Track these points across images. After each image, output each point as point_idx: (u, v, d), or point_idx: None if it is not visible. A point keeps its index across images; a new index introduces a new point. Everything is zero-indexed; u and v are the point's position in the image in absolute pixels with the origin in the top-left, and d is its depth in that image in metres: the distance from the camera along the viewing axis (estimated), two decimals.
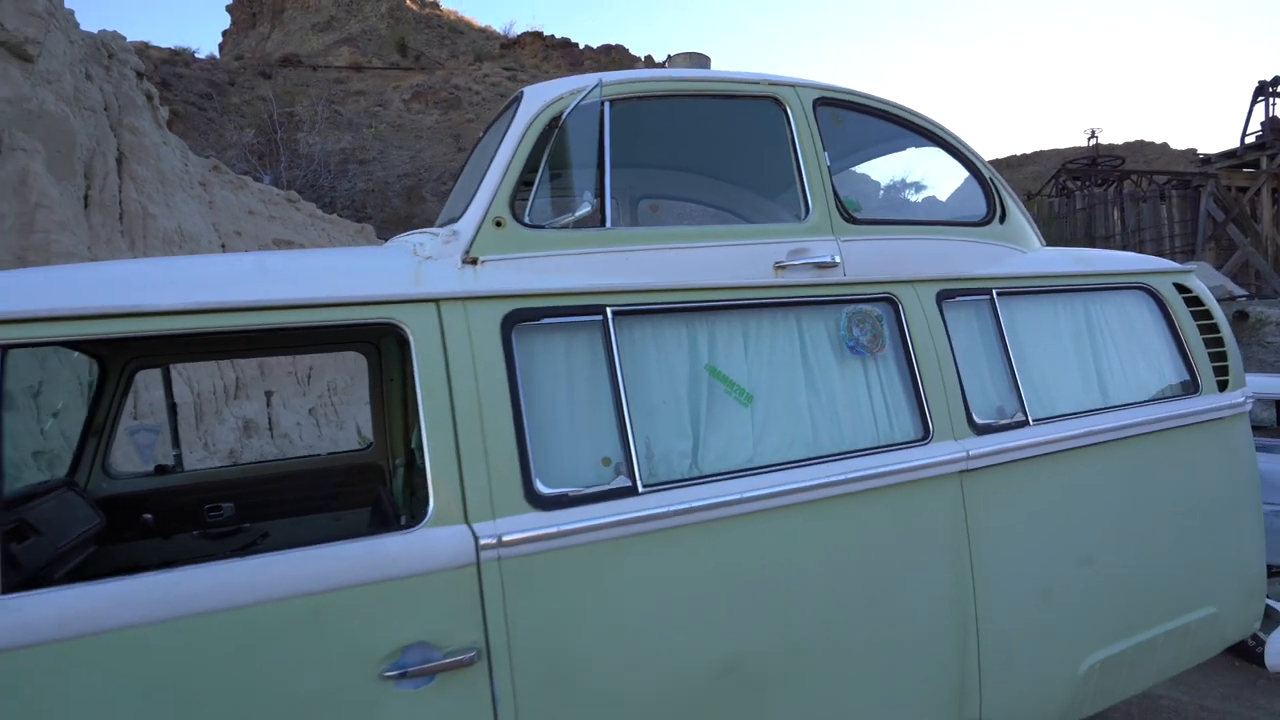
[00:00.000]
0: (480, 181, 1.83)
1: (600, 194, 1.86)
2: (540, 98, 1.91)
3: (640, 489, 1.67)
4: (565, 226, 1.82)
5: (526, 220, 1.79)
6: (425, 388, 1.55)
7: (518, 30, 45.93)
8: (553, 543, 1.57)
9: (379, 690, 1.43)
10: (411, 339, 1.56)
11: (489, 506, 1.54)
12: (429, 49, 45.71)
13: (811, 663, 1.78)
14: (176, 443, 2.86)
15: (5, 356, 1.33)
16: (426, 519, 1.50)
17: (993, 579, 2.01)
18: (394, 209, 17.47)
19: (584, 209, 1.81)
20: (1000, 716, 2.03)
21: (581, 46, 48.10)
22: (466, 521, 1.52)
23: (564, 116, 1.86)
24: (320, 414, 10.66)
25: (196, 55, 33.03)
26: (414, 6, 50.80)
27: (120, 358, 2.51)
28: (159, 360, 2.68)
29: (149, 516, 2.68)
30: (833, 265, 2.01)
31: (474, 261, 1.71)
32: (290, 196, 12.99)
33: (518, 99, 2.01)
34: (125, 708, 1.27)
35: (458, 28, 50.84)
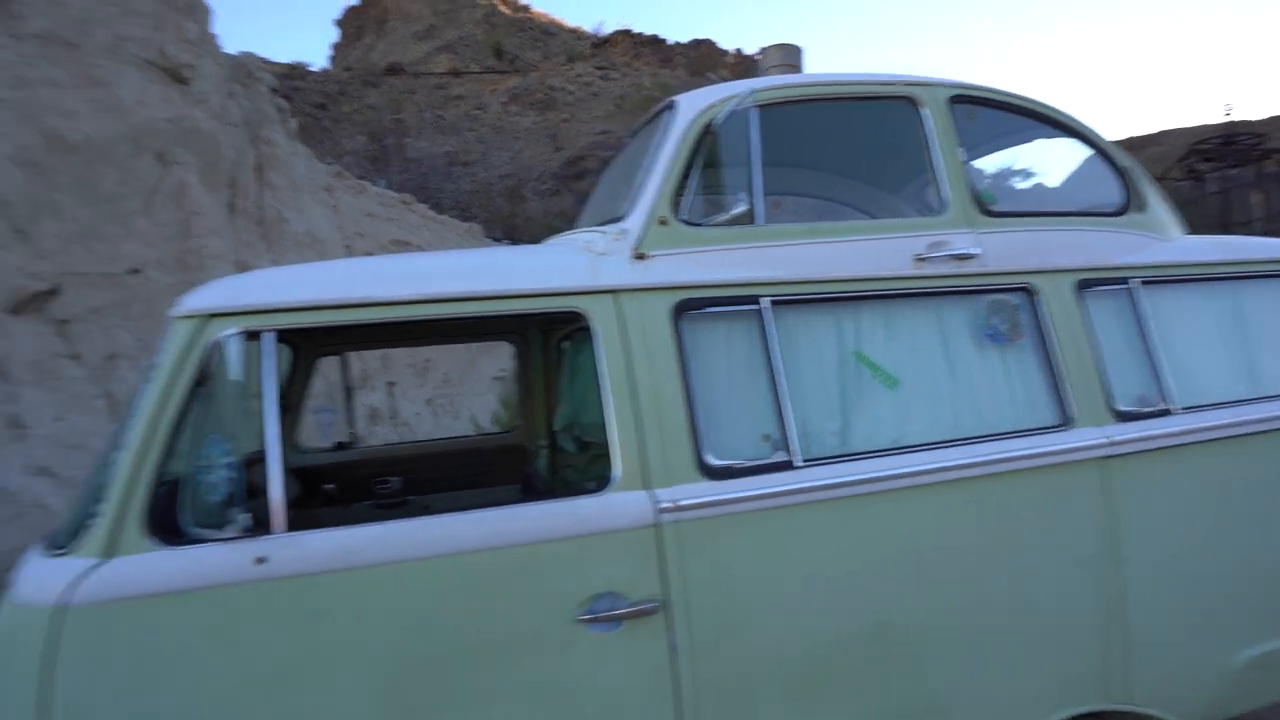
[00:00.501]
0: (642, 184, 2.03)
1: (751, 193, 2.03)
2: (694, 106, 2.09)
3: (797, 464, 1.83)
4: (721, 224, 2.00)
5: (686, 219, 1.98)
6: (609, 369, 1.76)
7: (608, 29, 46.45)
8: (721, 509, 1.76)
9: (574, 631, 1.65)
10: (594, 326, 1.78)
11: (666, 475, 1.74)
12: (523, 52, 46.83)
13: (958, 632, 1.90)
14: (351, 422, 3.22)
15: (258, 341, 1.62)
16: (612, 484, 1.71)
17: (1137, 563, 2.07)
18: (498, 208, 18.19)
19: (739, 208, 1.98)
20: (1148, 700, 2.08)
21: (670, 43, 48.20)
22: (647, 487, 1.72)
23: (717, 123, 2.04)
24: (437, 404, 11.27)
25: (310, 69, 35.00)
26: (507, 11, 52.04)
27: (309, 346, 2.86)
28: (340, 348, 3.02)
29: (331, 486, 3.04)
30: (971, 257, 2.11)
31: (642, 257, 1.91)
32: (405, 199, 13.74)
33: (671, 107, 2.20)
34: (376, 626, 1.54)
35: (550, 29, 51.82)
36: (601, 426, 3.34)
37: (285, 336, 1.63)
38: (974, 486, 1.94)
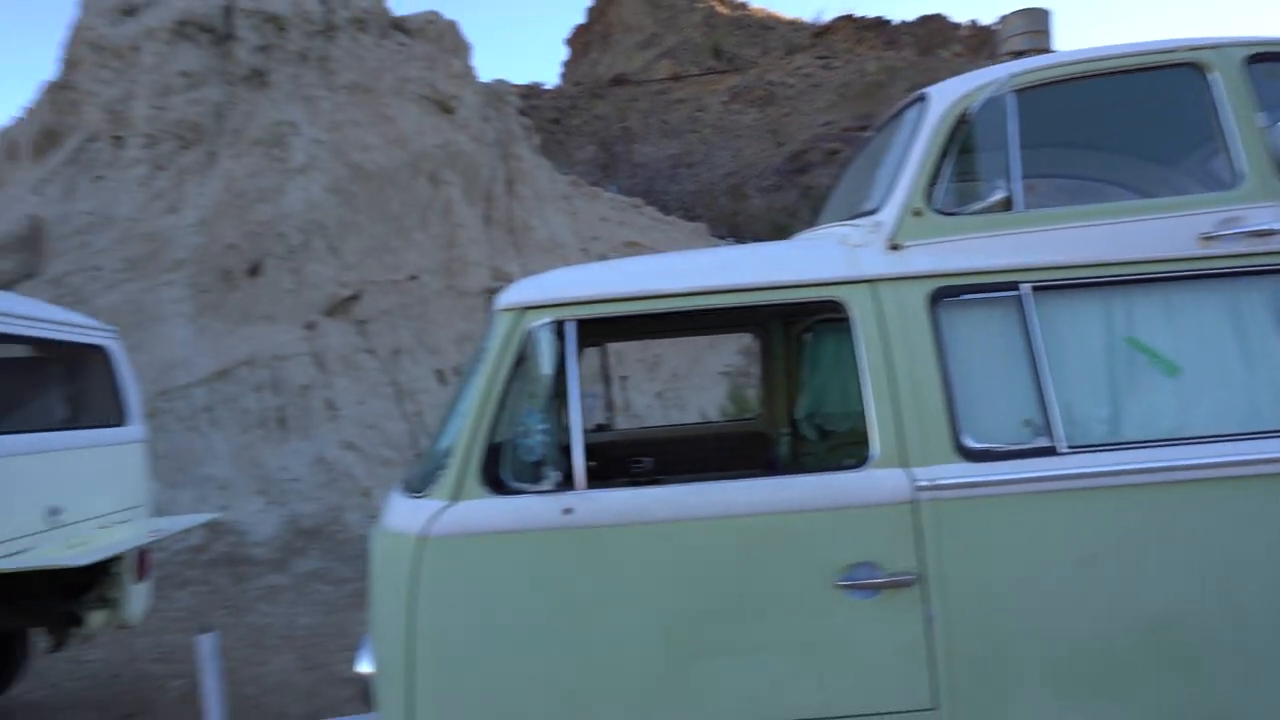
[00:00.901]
0: (895, 177, 2.10)
1: (1009, 180, 2.02)
2: (946, 97, 2.12)
3: (1061, 449, 1.81)
4: (977, 212, 2.01)
5: (940, 209, 2.02)
6: (868, 353, 1.87)
7: (827, 17, 45.05)
8: (980, 490, 1.79)
9: (834, 596, 1.78)
10: (853, 314, 1.89)
11: (923, 454, 1.81)
12: (741, 49, 46.97)
13: (1254, 640, 1.77)
14: (610, 406, 3.60)
15: (561, 329, 1.92)
16: (871, 461, 1.82)
17: None
18: (721, 207, 18.56)
19: (997, 195, 1.99)
20: None
21: (895, 23, 45.73)
22: (905, 465, 1.81)
23: (971, 112, 2.05)
24: (666, 397, 11.80)
25: (544, 87, 37.75)
26: (725, 11, 52.38)
27: (582, 336, 3.25)
28: (606, 339, 3.38)
29: (594, 463, 3.42)
30: (1273, 233, 1.93)
31: (897, 247, 1.98)
32: (634, 203, 14.54)
33: (922, 99, 2.24)
34: (658, 574, 1.78)
35: (768, 24, 51.40)
36: (844, 415, 3.42)
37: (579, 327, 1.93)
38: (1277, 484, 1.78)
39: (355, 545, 7.28)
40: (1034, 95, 2.08)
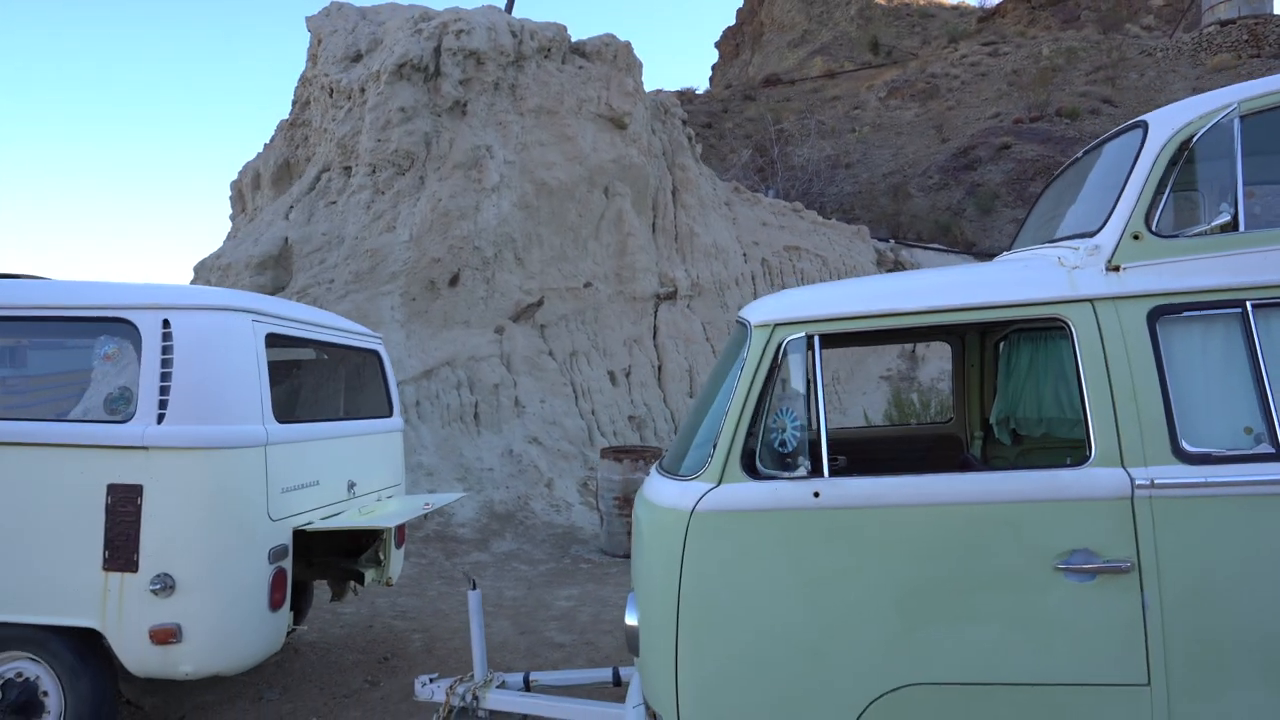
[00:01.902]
0: (1115, 201, 2.29)
1: (1235, 203, 2.16)
2: (1169, 125, 2.28)
3: None
4: (1199, 235, 2.17)
5: (1159, 232, 2.20)
6: (1087, 366, 2.09)
7: None
8: (1199, 490, 1.97)
9: (1053, 578, 2.02)
10: (1074, 330, 2.12)
11: (1141, 456, 2.01)
12: (900, 41, 45.30)
13: None
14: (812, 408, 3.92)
15: (809, 342, 2.27)
16: (1090, 461, 2.04)
17: None
18: (881, 208, 18.25)
19: (1222, 218, 2.14)
20: None
21: None
22: (1123, 465, 2.02)
23: (1195, 139, 2.21)
24: (829, 400, 11.88)
25: (696, 92, 38.22)
26: (882, 1, 50.61)
27: None
28: (828, 347, 3.69)
29: None
30: None
31: (1116, 269, 2.18)
32: (795, 207, 14.68)
33: (1141, 126, 2.40)
34: (895, 552, 2.10)
35: (928, 11, 49.21)
36: (1038, 420, 3.55)
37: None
38: None
39: (543, 531, 8.02)
40: (1263, 120, 2.20)
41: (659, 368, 11.23)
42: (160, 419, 2.87)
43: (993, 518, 2.06)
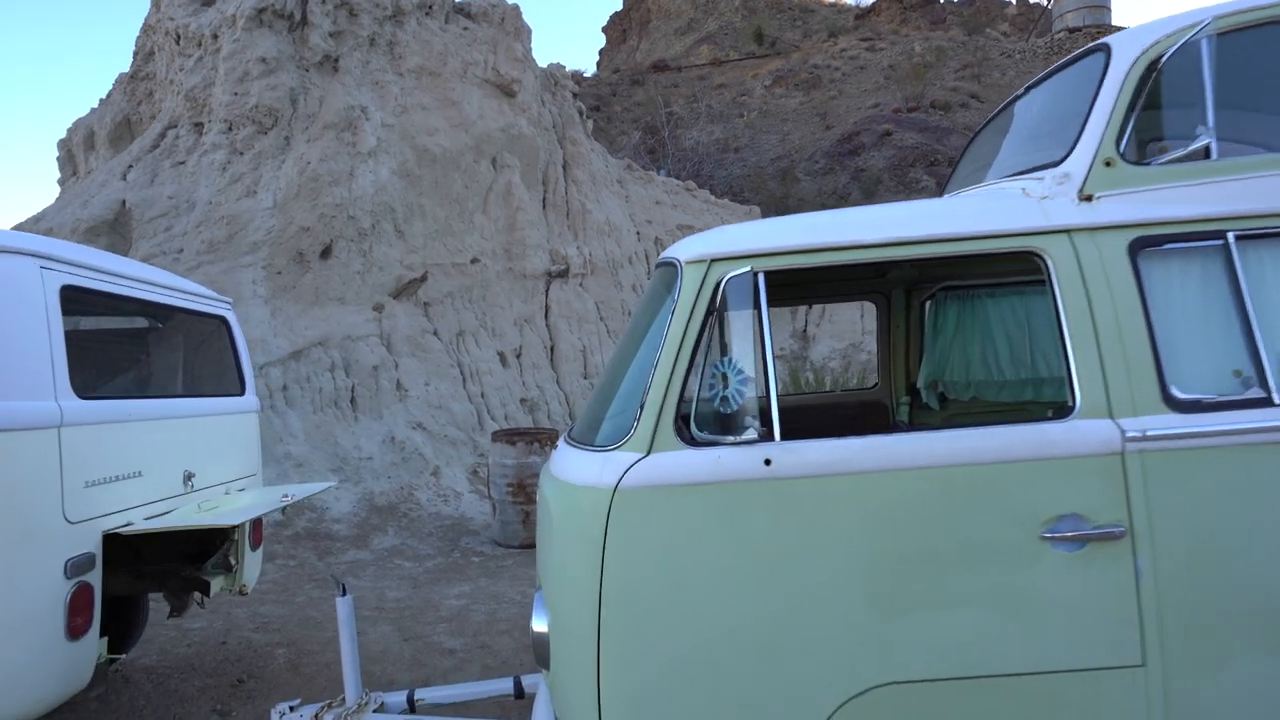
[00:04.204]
0: (1080, 128, 2.03)
1: (1208, 127, 1.94)
2: (1135, 45, 2.04)
3: (1278, 400, 1.74)
4: (1174, 161, 1.94)
5: (1132, 159, 1.96)
6: (1066, 304, 1.81)
7: None
8: (1190, 442, 1.74)
9: (1038, 548, 1.74)
10: (1051, 265, 1.84)
11: (1130, 405, 1.76)
12: (783, 33, 46.37)
13: None
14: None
15: (752, 280, 1.89)
16: (1075, 413, 1.77)
17: None
18: (770, 191, 18.37)
19: (1196, 143, 1.91)
20: None
21: (942, 1, 44.77)
22: (1111, 417, 1.76)
23: (1164, 59, 1.98)
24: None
25: (585, 75, 37.59)
26: None
27: None
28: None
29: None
30: None
31: (1089, 198, 1.92)
32: (688, 186, 14.46)
33: (1103, 49, 2.16)
34: (859, 525, 1.76)
35: (809, 7, 50.63)
36: (966, 383, 3.33)
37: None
38: None
39: (429, 523, 7.39)
40: (1238, 39, 2.00)
41: (551, 348, 10.73)
42: None
43: (973, 481, 1.76)
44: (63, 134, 11.15)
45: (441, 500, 7.78)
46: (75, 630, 2.39)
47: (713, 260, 1.91)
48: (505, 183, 10.87)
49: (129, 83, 10.67)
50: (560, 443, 2.32)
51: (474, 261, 10.34)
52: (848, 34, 40.63)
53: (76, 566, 2.40)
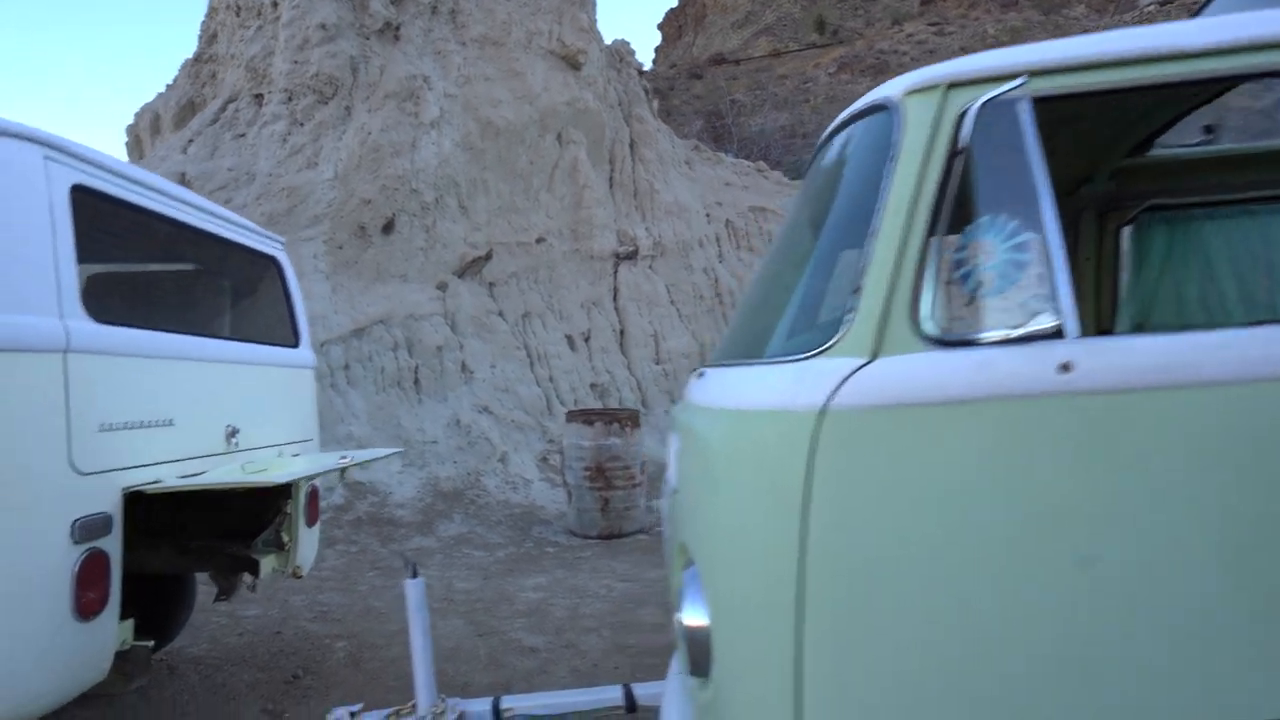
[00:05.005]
0: None
1: None
2: None
3: None
4: None
5: None
6: None
7: None
8: None
9: None
10: None
11: None
12: (844, 22, 45.26)
13: None
14: None
15: (1011, 111, 1.26)
16: None
17: None
18: None
19: None
20: None
21: None
22: None
23: None
24: None
25: (643, 69, 37.12)
26: None
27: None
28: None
29: None
30: None
31: None
32: (759, 167, 13.75)
33: None
34: (1222, 466, 1.11)
35: None
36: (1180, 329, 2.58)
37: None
38: None
39: (498, 510, 6.90)
40: None
41: (621, 332, 10.17)
42: None
43: None
44: (130, 120, 11.11)
45: (510, 487, 7.28)
46: (86, 609, 1.90)
47: (950, 85, 1.28)
48: (571, 159, 10.37)
49: (193, 65, 10.53)
50: (701, 372, 1.72)
51: (539, 241, 9.85)
52: (913, 20, 39.26)
53: (87, 529, 1.90)
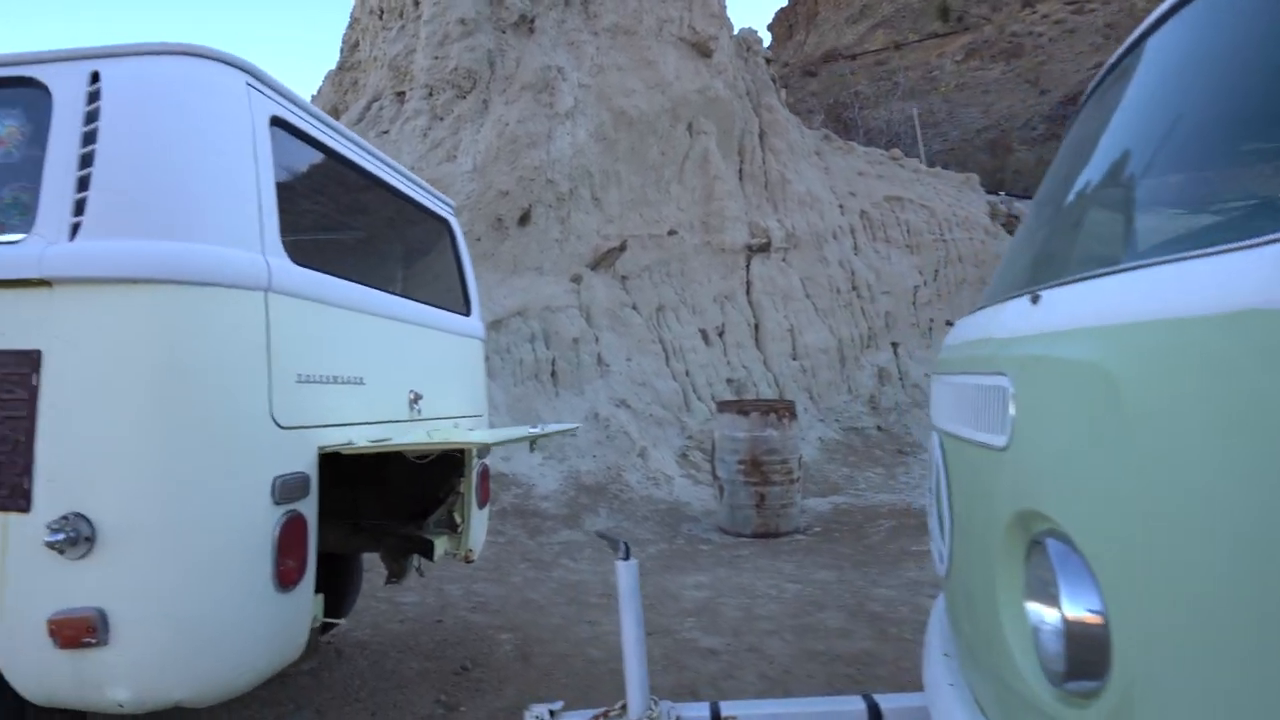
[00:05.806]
0: None
1: None
2: None
3: None
4: None
5: None
6: None
7: None
8: None
9: None
10: None
11: None
12: (969, 8, 43.04)
13: None
14: None
15: None
16: None
17: None
18: (980, 163, 16.39)
19: None
20: None
21: None
22: None
23: None
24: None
25: (770, 58, 36.53)
26: None
27: None
28: None
29: None
30: None
31: None
32: (893, 155, 13.00)
33: None
34: None
35: None
36: None
37: None
38: None
39: (642, 506, 6.62)
40: None
41: (756, 326, 9.74)
42: (74, 231, 1.54)
43: None
44: None
45: (652, 483, 7.00)
46: (286, 577, 1.69)
47: None
48: (702, 150, 10.06)
49: (336, 75, 10.94)
50: (1002, 306, 1.33)
51: (671, 233, 9.59)
52: (1046, 1, 36.78)
53: (287, 489, 1.70)
